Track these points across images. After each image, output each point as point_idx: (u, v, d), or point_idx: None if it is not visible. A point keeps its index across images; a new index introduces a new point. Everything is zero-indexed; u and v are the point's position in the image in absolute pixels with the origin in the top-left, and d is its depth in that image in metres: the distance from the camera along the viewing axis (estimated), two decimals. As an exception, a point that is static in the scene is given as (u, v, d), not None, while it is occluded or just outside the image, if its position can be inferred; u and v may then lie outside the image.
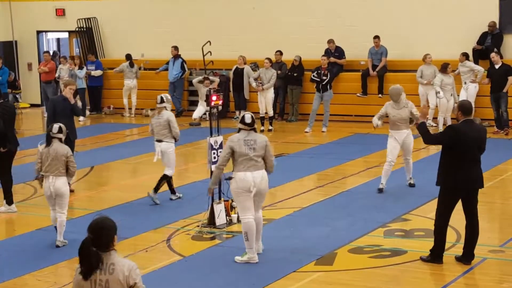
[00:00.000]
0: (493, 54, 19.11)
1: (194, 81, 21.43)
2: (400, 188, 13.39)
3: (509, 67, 18.82)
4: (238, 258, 9.75)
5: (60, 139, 10.64)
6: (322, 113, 19.97)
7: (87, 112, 23.80)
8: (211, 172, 11.41)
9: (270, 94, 20.52)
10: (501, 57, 20.12)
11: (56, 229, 10.75)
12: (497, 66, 18.81)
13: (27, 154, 16.89)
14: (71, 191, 10.95)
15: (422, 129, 9.41)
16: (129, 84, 23.42)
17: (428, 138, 9.50)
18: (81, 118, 21.93)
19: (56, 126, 10.66)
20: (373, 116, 13.28)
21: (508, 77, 18.59)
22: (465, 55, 19.88)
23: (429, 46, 20.77)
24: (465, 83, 19.81)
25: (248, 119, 9.57)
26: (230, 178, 9.65)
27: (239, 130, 9.64)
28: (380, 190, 13.06)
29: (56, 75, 23.32)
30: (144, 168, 16.18)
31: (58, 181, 10.51)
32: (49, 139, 10.62)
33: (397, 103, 12.87)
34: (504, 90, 18.62)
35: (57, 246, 10.60)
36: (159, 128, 12.74)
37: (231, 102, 22.66)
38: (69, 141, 13.52)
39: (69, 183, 10.86)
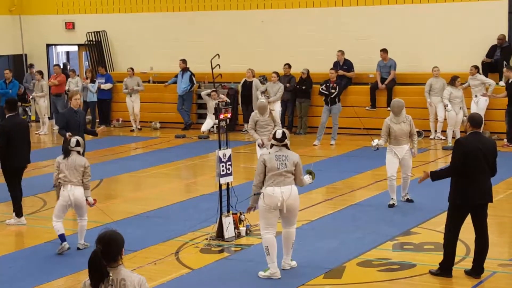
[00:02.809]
0: (504, 70, 19.15)
1: (203, 93, 21.47)
2: (408, 201, 13.35)
3: None
4: (261, 273, 9.62)
5: (78, 152, 10.98)
6: (330, 126, 19.98)
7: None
8: (220, 185, 11.44)
9: (277, 107, 20.53)
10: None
11: (60, 238, 10.84)
12: (510, 80, 18.79)
13: (36, 167, 16.92)
14: (94, 200, 11.13)
15: (436, 176, 9.53)
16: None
17: (447, 172, 9.46)
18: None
19: (74, 140, 11.02)
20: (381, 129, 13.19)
21: None
22: (477, 68, 19.88)
23: (438, 59, 20.78)
24: (476, 96, 19.79)
25: (278, 135, 9.61)
26: (258, 194, 9.61)
27: (272, 146, 9.68)
28: (391, 206, 13.01)
29: (66, 87, 23.41)
30: (153, 181, 16.21)
31: (77, 191, 10.83)
32: (67, 152, 10.93)
33: (396, 117, 12.85)
34: None
35: (78, 249, 10.90)
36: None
37: (239, 115, 22.69)
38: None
39: (88, 197, 10.98)
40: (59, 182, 10.85)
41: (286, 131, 9.86)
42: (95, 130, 14.54)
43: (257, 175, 9.62)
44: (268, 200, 9.45)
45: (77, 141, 10.97)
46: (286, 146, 9.68)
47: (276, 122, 14.44)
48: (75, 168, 10.80)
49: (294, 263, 10.01)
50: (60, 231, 10.87)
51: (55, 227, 10.88)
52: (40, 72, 23.88)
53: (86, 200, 10.99)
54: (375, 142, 12.98)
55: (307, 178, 10.04)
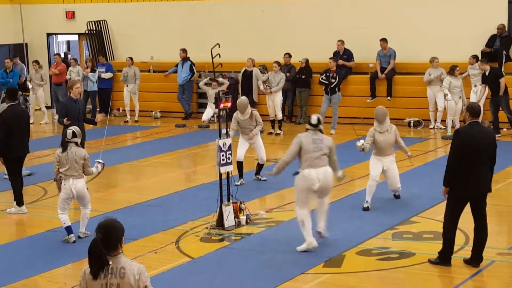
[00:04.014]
0: (478, 63, 19.21)
1: (201, 84, 21.50)
2: (407, 190, 13.35)
3: (498, 70, 18.87)
4: (299, 248, 10.12)
5: (76, 143, 10.87)
6: (330, 115, 20.00)
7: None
8: (220, 174, 11.49)
9: (278, 97, 20.53)
10: (510, 60, 20.18)
11: (67, 230, 10.89)
12: (487, 73, 18.74)
13: (37, 156, 16.98)
14: (102, 164, 11.28)
15: (445, 180, 9.39)
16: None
17: (448, 167, 9.35)
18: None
19: (69, 132, 10.88)
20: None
21: (499, 80, 18.52)
22: (475, 58, 19.89)
23: (438, 48, 20.78)
24: (475, 85, 19.80)
25: (313, 120, 10.23)
26: (297, 173, 10.20)
27: (307, 130, 10.31)
28: (366, 209, 12.27)
29: (68, 77, 23.39)
30: (153, 171, 16.25)
31: (79, 183, 10.84)
32: (65, 145, 10.84)
33: (380, 125, 12.40)
34: (501, 94, 18.55)
35: (79, 237, 10.94)
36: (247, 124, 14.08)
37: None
38: (80, 143, 13.66)
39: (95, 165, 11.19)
40: (60, 177, 10.85)
41: (321, 117, 10.38)
42: (94, 119, 14.49)
43: (290, 153, 10.18)
44: (305, 182, 10.05)
45: (73, 132, 10.83)
46: (320, 130, 10.23)
47: (258, 121, 14.12)
48: (76, 161, 10.76)
49: (327, 234, 10.55)
50: (66, 223, 10.91)
51: (61, 220, 10.92)
52: (37, 62, 23.86)
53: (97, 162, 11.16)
54: (361, 142, 12.40)
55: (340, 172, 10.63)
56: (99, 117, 14.34)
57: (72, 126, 11.26)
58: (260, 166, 14.50)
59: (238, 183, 13.71)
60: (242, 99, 14.35)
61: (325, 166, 10.15)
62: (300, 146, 10.10)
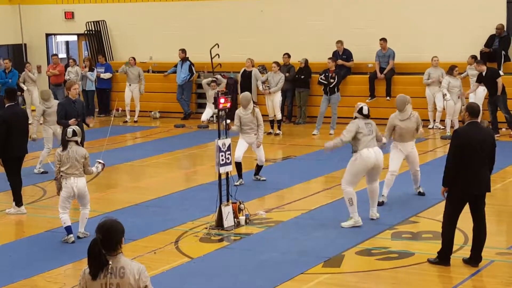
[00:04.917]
0: (474, 64, 19.20)
1: (204, 82, 21.49)
2: (408, 190, 13.37)
3: (495, 70, 18.85)
4: (344, 224, 11.19)
5: (76, 142, 10.91)
6: (329, 115, 20.01)
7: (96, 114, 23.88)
8: (219, 174, 11.48)
9: (277, 97, 20.53)
10: (509, 60, 20.17)
11: (66, 230, 10.88)
12: (484, 73, 18.72)
13: (36, 156, 16.94)
14: (103, 164, 11.33)
15: (445, 181, 9.39)
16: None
17: (447, 168, 9.34)
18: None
19: (70, 130, 10.93)
20: (381, 119, 13.18)
21: (496, 80, 18.51)
22: (474, 58, 19.89)
23: (437, 48, 20.79)
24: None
25: (365, 111, 11.39)
26: (355, 151, 11.22)
27: (355, 118, 11.36)
28: (380, 204, 12.32)
29: (66, 77, 23.38)
30: (152, 171, 16.25)
31: (80, 182, 10.87)
32: (65, 143, 10.85)
33: (402, 113, 12.57)
34: (498, 93, 18.55)
35: (78, 237, 10.94)
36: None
37: (239, 104, 22.64)
38: (80, 143, 13.64)
39: (95, 166, 11.22)
40: (61, 176, 10.87)
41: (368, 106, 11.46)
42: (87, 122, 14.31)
43: (349, 135, 11.19)
44: (364, 161, 11.11)
45: (73, 131, 10.89)
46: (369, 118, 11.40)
47: (259, 122, 14.10)
48: (76, 160, 10.79)
49: (378, 214, 11.58)
50: (66, 223, 10.91)
51: (62, 219, 10.91)
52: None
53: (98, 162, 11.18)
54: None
55: None
56: (90, 121, 14.26)
57: (71, 125, 11.30)
58: (259, 167, 14.49)
59: (238, 183, 13.73)
60: (246, 93, 14.48)
61: (376, 146, 11.33)
62: (357, 130, 11.14)
